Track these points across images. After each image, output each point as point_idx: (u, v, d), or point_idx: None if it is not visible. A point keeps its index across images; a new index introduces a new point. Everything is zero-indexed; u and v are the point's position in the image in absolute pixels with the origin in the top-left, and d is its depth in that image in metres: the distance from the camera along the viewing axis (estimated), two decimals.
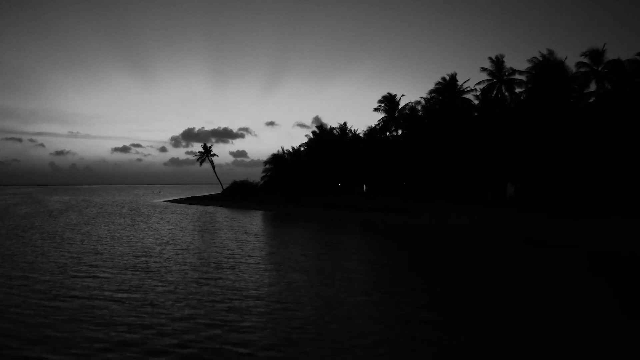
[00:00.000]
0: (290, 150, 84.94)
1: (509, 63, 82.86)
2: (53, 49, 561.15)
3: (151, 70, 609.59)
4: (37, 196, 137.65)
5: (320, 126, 77.14)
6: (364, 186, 72.86)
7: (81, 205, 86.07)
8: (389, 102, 66.98)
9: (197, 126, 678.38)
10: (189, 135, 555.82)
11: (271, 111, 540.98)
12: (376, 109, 67.43)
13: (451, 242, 30.36)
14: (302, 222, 47.14)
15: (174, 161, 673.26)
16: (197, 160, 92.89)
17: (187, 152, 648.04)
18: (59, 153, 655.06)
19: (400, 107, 66.51)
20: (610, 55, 54.46)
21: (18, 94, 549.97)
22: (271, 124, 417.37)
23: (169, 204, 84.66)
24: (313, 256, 23.44)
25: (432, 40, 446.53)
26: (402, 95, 72.20)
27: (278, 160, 73.85)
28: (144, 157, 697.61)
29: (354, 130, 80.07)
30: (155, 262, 22.85)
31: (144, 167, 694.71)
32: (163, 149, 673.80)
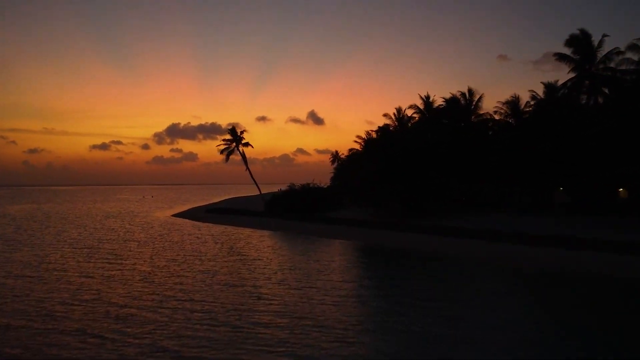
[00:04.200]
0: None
1: None
2: (26, 37, 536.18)
3: (133, 61, 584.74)
4: None
5: (427, 97, 55.42)
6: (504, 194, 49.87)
7: (43, 223, 64.15)
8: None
9: (182, 122, 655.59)
10: (174, 132, 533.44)
11: (262, 105, 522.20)
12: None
13: None
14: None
15: (158, 160, 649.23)
16: (222, 152, 71.59)
17: (173, 150, 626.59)
18: (33, 151, 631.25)
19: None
20: None
21: None
22: (262, 119, 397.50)
23: (185, 221, 63.15)
24: None
25: (440, 27, 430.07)
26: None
27: (382, 143, 50.10)
28: (125, 155, 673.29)
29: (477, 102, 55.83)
30: None
31: (126, 167, 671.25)
32: (146, 147, 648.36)
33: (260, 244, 39.30)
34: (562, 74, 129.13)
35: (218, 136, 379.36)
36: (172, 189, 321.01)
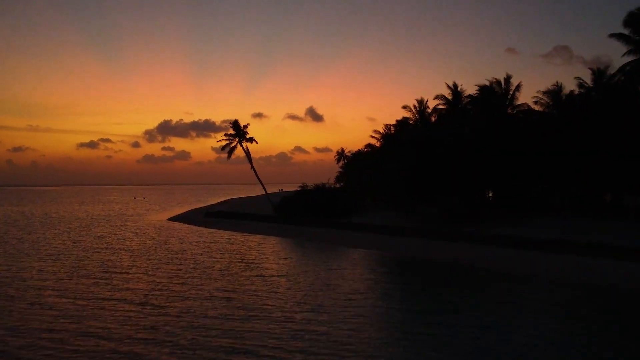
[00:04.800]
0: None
1: None
2: (10, 30, 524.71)
3: (123, 54, 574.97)
4: None
5: (455, 86, 50.01)
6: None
7: (23, 228, 58.65)
8: None
9: (174, 118, 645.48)
10: (166, 129, 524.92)
11: (258, 101, 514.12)
12: None
13: None
14: None
15: (149, 158, 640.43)
16: (223, 149, 65.93)
17: (164, 148, 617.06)
18: (17, 149, 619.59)
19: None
20: None
21: None
22: (259, 115, 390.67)
23: (183, 226, 57.71)
24: None
25: (445, 19, 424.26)
26: None
27: (411, 137, 43.69)
28: (114, 153, 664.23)
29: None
30: None
31: (115, 166, 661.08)
32: (136, 145, 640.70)
33: (276, 256, 34.04)
34: (572, 69, 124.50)
35: (212, 133, 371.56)
36: (164, 190, 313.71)
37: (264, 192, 71.46)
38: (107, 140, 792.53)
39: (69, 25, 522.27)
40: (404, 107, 57.16)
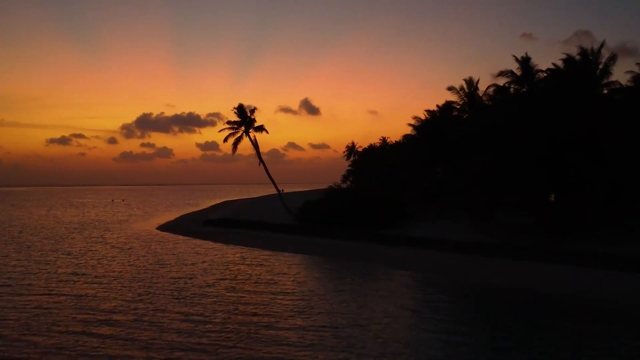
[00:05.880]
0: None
1: None
2: None
3: (98, 41, 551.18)
4: None
5: (526, 59, 40.82)
6: None
7: None
8: None
9: (154, 112, 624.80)
10: (145, 123, 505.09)
11: (248, 93, 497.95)
12: None
13: None
14: None
15: (127, 156, 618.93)
16: (225, 140, 55.61)
17: (144, 145, 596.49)
18: None
19: None
20: None
21: None
22: (247, 108, 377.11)
23: (178, 237, 47.54)
24: None
25: (453, 2, 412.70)
26: None
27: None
28: (88, 150, 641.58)
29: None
30: None
31: (89, 164, 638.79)
32: (112, 141, 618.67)
33: (325, 289, 24.62)
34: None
35: (196, 128, 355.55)
36: (145, 191, 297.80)
37: (278, 193, 60.55)
38: (80, 136, 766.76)
39: (38, 9, 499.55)
40: (449, 88, 48.42)
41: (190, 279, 26.18)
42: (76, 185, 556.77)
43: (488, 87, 44.13)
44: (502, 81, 41.53)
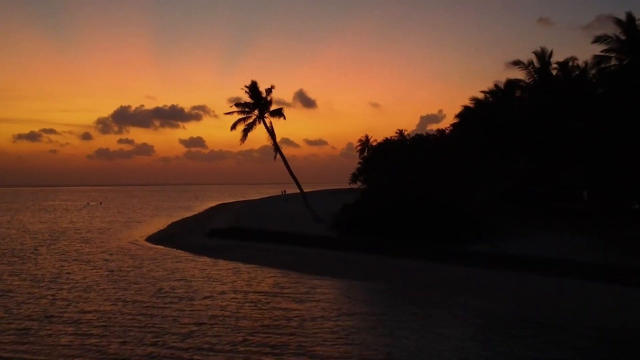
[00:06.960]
0: None
1: None
2: None
3: (72, 28, 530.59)
4: None
5: (632, 17, 33.39)
6: None
7: None
8: None
9: (133, 104, 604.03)
10: (123, 117, 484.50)
11: (236, 84, 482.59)
12: None
13: None
14: None
15: (103, 153, 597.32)
16: (233, 127, 45.93)
17: (121, 141, 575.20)
18: None
19: None
20: None
21: None
22: (236, 100, 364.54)
23: (175, 252, 38.43)
24: None
25: None
26: None
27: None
28: (60, 147, 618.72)
29: None
30: None
31: (61, 162, 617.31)
32: (87, 136, 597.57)
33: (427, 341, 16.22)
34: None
35: (180, 123, 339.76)
36: (124, 192, 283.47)
37: (302, 194, 51.17)
38: (51, 131, 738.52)
39: None
40: (515, 62, 40.86)
41: (212, 326, 17.64)
42: (47, 185, 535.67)
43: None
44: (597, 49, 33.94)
